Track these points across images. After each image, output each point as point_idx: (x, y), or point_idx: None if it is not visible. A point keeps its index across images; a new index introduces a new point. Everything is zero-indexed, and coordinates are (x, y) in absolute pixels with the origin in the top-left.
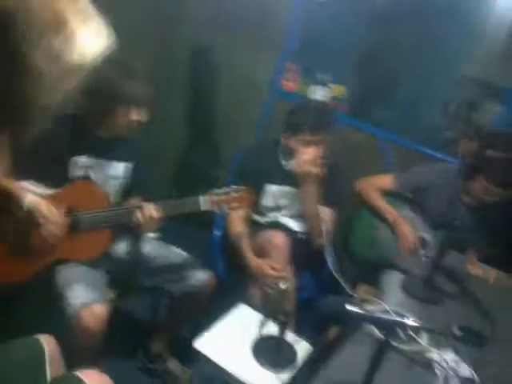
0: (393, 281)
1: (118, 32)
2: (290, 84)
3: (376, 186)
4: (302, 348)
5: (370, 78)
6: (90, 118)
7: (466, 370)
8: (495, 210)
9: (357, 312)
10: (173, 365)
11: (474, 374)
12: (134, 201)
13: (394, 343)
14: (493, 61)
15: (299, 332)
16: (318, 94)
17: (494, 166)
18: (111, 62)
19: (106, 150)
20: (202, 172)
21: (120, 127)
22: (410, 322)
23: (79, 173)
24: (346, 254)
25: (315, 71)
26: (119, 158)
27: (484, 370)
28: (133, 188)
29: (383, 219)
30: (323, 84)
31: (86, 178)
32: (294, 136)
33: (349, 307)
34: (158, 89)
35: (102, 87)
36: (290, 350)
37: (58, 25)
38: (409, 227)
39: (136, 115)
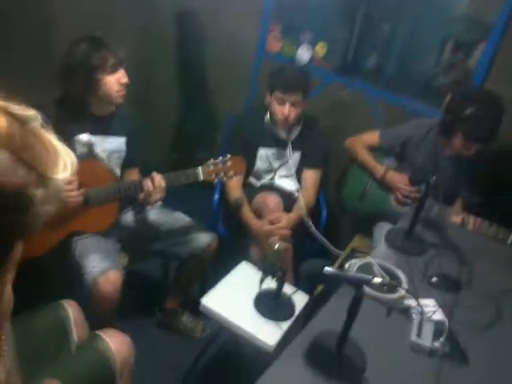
0: (381, 233)
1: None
2: (274, 45)
3: (363, 142)
4: (300, 299)
5: (355, 31)
6: (79, 97)
7: (440, 315)
8: (473, 162)
9: (332, 272)
10: (187, 318)
11: (446, 318)
12: (132, 174)
13: (374, 293)
14: None
15: (298, 283)
16: (302, 53)
17: (470, 122)
18: (81, 40)
19: (103, 127)
20: (198, 136)
21: (106, 98)
22: (375, 280)
23: (83, 150)
24: (341, 209)
25: (297, 30)
26: (117, 133)
27: (457, 314)
28: (130, 160)
29: (371, 174)
30: (305, 43)
31: (92, 156)
32: (271, 95)
33: (326, 269)
34: (148, 55)
35: (79, 66)
36: (289, 302)
37: None
38: (400, 177)
39: (119, 78)
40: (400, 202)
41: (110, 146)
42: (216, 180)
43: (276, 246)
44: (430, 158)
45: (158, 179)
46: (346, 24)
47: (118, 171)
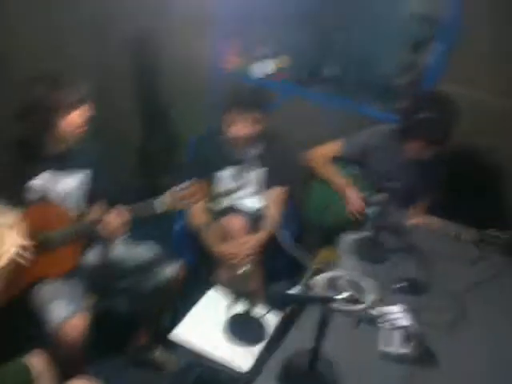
0: (348, 242)
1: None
2: (232, 62)
3: (326, 154)
4: (272, 318)
5: (312, 42)
6: (36, 137)
7: (407, 320)
8: (432, 163)
9: (297, 295)
10: (160, 353)
11: (413, 323)
12: (99, 208)
13: (340, 307)
14: None
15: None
16: (260, 68)
17: (425, 126)
18: (36, 80)
19: (63, 164)
20: (163, 160)
21: (66, 135)
22: (339, 296)
23: (38, 193)
24: (307, 222)
25: (253, 46)
26: (76, 168)
27: (423, 317)
28: (95, 194)
29: (333, 186)
30: (264, 58)
31: (47, 199)
32: (225, 115)
33: (290, 292)
34: (105, 84)
35: (36, 107)
36: (260, 324)
37: None
38: (355, 192)
39: (80, 115)
40: (352, 216)
41: (70, 182)
42: (179, 208)
43: (243, 270)
44: (390, 163)
45: (119, 214)
46: (304, 36)
47: (80, 207)
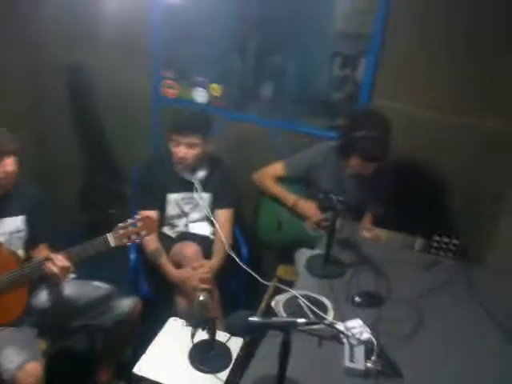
0: (303, 259)
1: None
2: (171, 90)
3: (270, 175)
4: (235, 343)
5: (247, 67)
6: None
7: (367, 334)
8: (374, 177)
9: (257, 322)
10: None
11: (373, 336)
12: (41, 251)
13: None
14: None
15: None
16: (198, 96)
17: (363, 144)
18: None
19: None
20: (107, 192)
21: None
22: (300, 320)
23: None
24: (259, 242)
25: (189, 73)
26: (13, 213)
27: (383, 328)
28: (34, 238)
29: (283, 204)
30: (200, 86)
31: None
32: (169, 139)
33: (250, 320)
34: (42, 117)
35: None
36: (224, 350)
37: None
38: (310, 205)
39: (7, 166)
40: (315, 228)
41: (7, 227)
42: (129, 243)
43: (201, 298)
44: (334, 180)
45: (59, 259)
46: (237, 61)
47: (20, 252)
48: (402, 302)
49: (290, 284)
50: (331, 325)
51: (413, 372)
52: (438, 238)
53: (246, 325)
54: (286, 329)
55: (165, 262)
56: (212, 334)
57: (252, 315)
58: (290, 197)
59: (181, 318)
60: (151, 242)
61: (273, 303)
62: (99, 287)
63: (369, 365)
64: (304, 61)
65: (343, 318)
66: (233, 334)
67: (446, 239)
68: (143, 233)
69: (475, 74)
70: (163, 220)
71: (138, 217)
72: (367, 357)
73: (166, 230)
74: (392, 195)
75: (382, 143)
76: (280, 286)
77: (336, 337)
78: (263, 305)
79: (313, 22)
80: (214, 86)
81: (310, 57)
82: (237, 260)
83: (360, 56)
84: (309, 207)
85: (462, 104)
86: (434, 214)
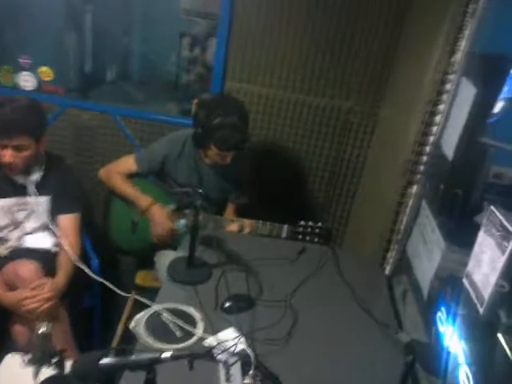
0: (164, 262)
1: None
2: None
3: (119, 172)
4: None
5: (86, 48)
6: None
7: (242, 344)
8: (233, 166)
9: (111, 365)
10: None
11: (248, 346)
12: None
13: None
14: None
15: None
16: (23, 81)
17: (219, 133)
18: None
19: None
20: None
21: None
22: (165, 355)
23: None
24: (113, 247)
25: (13, 55)
26: None
27: (258, 334)
28: None
29: (134, 205)
30: (26, 69)
31: None
32: None
33: (102, 363)
34: None
35: None
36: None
37: None
38: (158, 211)
39: None
40: (158, 239)
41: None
42: None
43: (41, 330)
44: (191, 172)
45: None
46: (72, 40)
47: None
48: (274, 300)
49: (152, 292)
50: (203, 337)
51: (293, 377)
52: (303, 223)
53: (96, 370)
54: (149, 367)
55: None
56: (60, 368)
57: (104, 355)
58: (143, 199)
59: (21, 352)
60: None
61: (132, 324)
62: None
63: (246, 382)
64: (150, 41)
65: (215, 330)
66: (82, 380)
67: (310, 223)
68: None
69: (326, 56)
70: None
71: None
72: (244, 372)
73: None
74: (254, 183)
75: (239, 131)
76: (139, 298)
77: (208, 353)
78: (120, 329)
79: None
80: (44, 68)
81: (156, 37)
82: (88, 272)
83: (209, 36)
84: (159, 215)
85: (317, 86)
86: (297, 198)
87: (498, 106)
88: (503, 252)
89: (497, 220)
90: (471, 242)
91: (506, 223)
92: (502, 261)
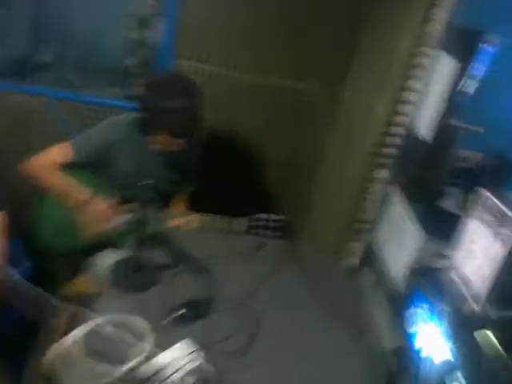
0: (103, 269)
1: None
2: None
3: (50, 162)
4: None
5: (20, 24)
6: None
7: (199, 358)
8: (184, 154)
9: None
10: None
11: (205, 360)
12: None
13: None
14: None
15: None
16: None
17: (169, 117)
18: None
19: None
20: None
21: None
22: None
23: None
24: (46, 249)
25: None
26: None
27: (217, 346)
28: None
29: (67, 200)
30: None
31: None
32: None
33: None
34: None
35: None
36: None
37: None
38: (98, 203)
39: None
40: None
41: None
42: None
43: None
44: (135, 160)
45: None
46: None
47: None
48: (232, 302)
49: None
50: (152, 354)
51: None
52: (257, 216)
53: None
54: None
55: None
56: None
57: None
58: (80, 192)
59: None
60: None
61: (69, 342)
62: None
63: None
64: (90, 21)
65: (166, 343)
66: None
67: (269, 216)
68: None
69: (286, 34)
70: None
71: None
72: None
73: None
74: (205, 172)
75: (190, 114)
76: (75, 311)
77: (160, 375)
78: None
79: None
80: None
81: (98, 17)
82: (11, 285)
83: (155, 16)
84: (101, 210)
85: (276, 66)
86: (253, 187)
87: (472, 87)
88: (502, 240)
89: (493, 205)
90: (447, 229)
91: (504, 208)
92: (501, 251)
